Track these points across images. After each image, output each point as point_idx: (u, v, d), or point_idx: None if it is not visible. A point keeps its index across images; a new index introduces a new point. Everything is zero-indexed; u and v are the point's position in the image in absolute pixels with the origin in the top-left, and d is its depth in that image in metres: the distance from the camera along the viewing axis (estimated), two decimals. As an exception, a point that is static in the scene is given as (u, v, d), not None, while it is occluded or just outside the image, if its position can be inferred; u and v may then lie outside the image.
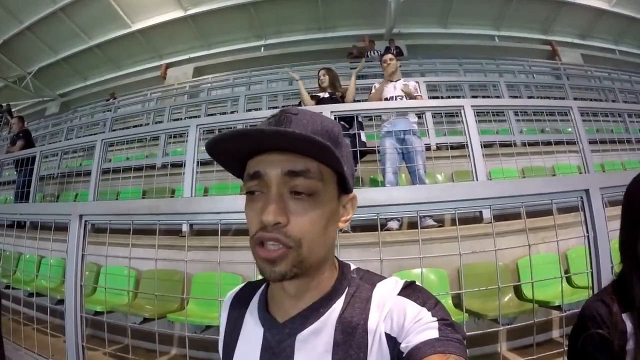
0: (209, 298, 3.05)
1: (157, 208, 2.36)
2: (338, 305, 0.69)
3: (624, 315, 1.01)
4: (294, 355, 0.68)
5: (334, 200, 0.68)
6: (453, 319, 0.63)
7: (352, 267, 0.77)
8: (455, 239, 2.07)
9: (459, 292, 2.58)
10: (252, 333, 0.75)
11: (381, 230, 3.73)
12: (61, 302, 2.72)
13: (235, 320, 0.81)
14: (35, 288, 3.89)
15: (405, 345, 0.60)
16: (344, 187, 0.70)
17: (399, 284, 0.70)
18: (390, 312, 0.65)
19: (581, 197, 1.97)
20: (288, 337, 0.69)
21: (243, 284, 0.88)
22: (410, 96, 4.59)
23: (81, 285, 2.50)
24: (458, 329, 0.61)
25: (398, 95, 4.62)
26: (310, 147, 0.60)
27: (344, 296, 0.70)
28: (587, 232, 1.95)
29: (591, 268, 1.92)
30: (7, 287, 3.56)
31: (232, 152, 0.66)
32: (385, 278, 0.73)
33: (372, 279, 0.73)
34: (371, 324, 0.65)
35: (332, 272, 0.73)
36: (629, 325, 0.99)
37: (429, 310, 0.63)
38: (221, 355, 0.81)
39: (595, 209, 1.93)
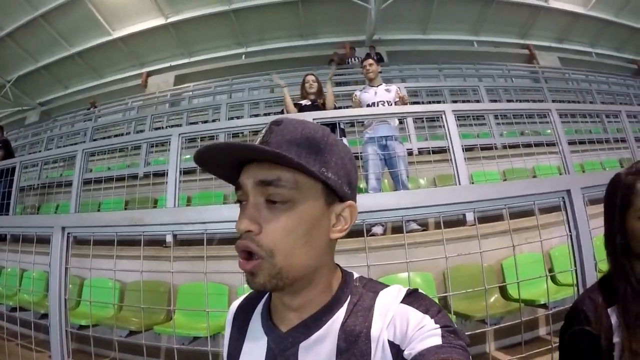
0: (196, 309, 3.03)
1: (141, 219, 2.34)
2: (341, 313, 0.70)
3: (609, 310, 1.04)
4: None
5: (318, 208, 0.67)
6: (456, 326, 0.64)
7: (355, 275, 0.77)
8: (440, 242, 2.11)
9: (445, 294, 2.62)
10: (256, 342, 0.76)
11: (366, 235, 3.79)
12: (45, 316, 2.68)
13: (239, 329, 0.82)
14: (18, 302, 3.84)
15: (409, 352, 0.61)
16: (337, 196, 0.70)
17: (402, 292, 0.70)
18: (394, 320, 0.65)
19: (563, 198, 2.02)
20: (291, 346, 0.69)
21: (247, 294, 0.89)
22: (403, 102, 4.66)
23: (65, 299, 2.47)
24: (461, 336, 0.62)
25: (379, 101, 4.66)
26: (276, 159, 0.62)
27: (346, 304, 0.71)
28: (570, 230, 2.00)
29: (575, 266, 1.97)
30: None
31: (220, 163, 0.69)
32: (388, 286, 0.73)
33: (375, 287, 0.73)
34: (374, 331, 0.66)
35: (333, 281, 0.74)
36: (614, 319, 1.02)
37: (431, 317, 0.63)
38: None
39: (577, 209, 1.98)
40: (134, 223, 2.36)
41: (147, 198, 5.61)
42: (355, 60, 11.38)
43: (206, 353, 2.14)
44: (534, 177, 5.33)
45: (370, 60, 4.93)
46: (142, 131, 8.12)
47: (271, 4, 12.98)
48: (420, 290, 0.71)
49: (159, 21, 13.55)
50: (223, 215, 2.16)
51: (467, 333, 1.94)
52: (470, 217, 3.84)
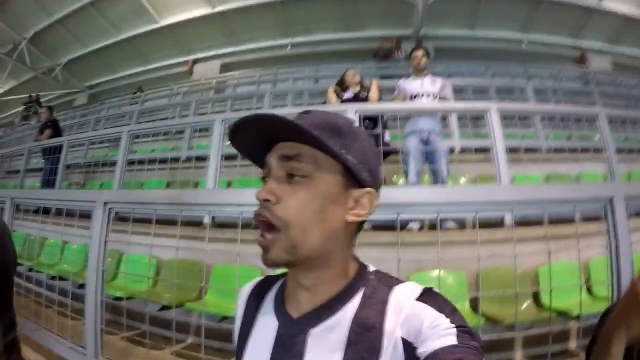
0: (225, 288, 3.07)
1: (180, 198, 2.40)
2: (354, 304, 0.69)
3: None
4: (306, 350, 0.68)
5: (335, 188, 0.69)
6: (470, 326, 0.63)
7: (372, 268, 0.77)
8: (475, 242, 2.04)
9: (476, 295, 2.55)
10: (266, 326, 0.76)
11: (402, 230, 3.74)
12: (82, 286, 2.77)
13: (250, 312, 0.82)
14: (58, 272, 4.01)
15: (423, 350, 0.60)
16: (356, 181, 0.71)
17: (417, 289, 0.69)
18: (408, 317, 0.64)
19: (605, 205, 1.92)
20: (301, 333, 0.70)
21: (262, 277, 0.89)
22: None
23: (103, 270, 2.55)
24: (475, 336, 0.61)
25: (424, 92, 4.51)
26: (296, 131, 0.65)
27: (360, 296, 0.70)
28: (610, 240, 1.90)
29: (611, 278, 1.88)
30: (31, 269, 3.63)
31: (250, 140, 0.72)
32: (403, 282, 0.73)
33: (390, 282, 0.73)
34: (387, 327, 0.65)
35: (349, 270, 0.74)
36: None
37: (447, 316, 0.62)
38: (236, 345, 0.83)
39: (619, 218, 1.88)
40: (172, 201, 2.41)
41: (188, 180, 5.73)
42: (401, 54, 11.21)
43: (232, 332, 2.15)
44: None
45: (422, 52, 4.79)
46: (186, 116, 8.26)
47: (317, -5, 12.93)
48: (435, 289, 0.70)
49: (206, 10, 13.71)
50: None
51: (494, 337, 1.88)
52: (508, 219, 3.71)
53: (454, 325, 0.60)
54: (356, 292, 0.71)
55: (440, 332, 0.60)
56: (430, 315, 0.63)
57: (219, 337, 3.31)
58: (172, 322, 2.50)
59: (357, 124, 0.76)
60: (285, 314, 0.74)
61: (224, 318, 3.16)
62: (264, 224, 0.67)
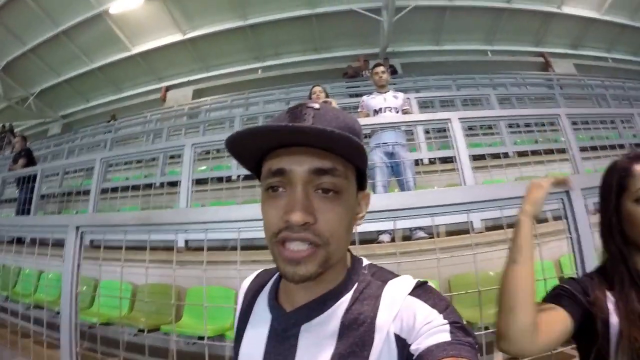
0: (196, 304, 3.10)
1: (148, 219, 2.44)
2: (346, 299, 0.69)
3: (608, 293, 1.03)
4: (298, 344, 0.68)
5: (355, 197, 0.69)
6: (464, 322, 0.63)
7: (365, 262, 0.77)
8: (448, 249, 2.07)
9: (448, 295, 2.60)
10: (260, 319, 0.77)
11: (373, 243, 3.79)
12: (59, 313, 2.79)
13: (247, 305, 0.83)
14: (33, 301, 4.00)
15: (416, 347, 0.59)
16: (360, 184, 0.72)
17: (411, 283, 0.69)
18: (400, 313, 0.64)
19: (562, 199, 1.97)
20: (293, 327, 0.70)
21: (260, 270, 0.90)
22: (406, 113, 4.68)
23: (77, 294, 2.58)
24: (470, 332, 0.61)
25: (387, 107, 4.67)
26: (340, 144, 0.60)
27: (352, 291, 0.70)
28: (570, 233, 1.96)
29: (576, 269, 1.91)
30: (7, 298, 3.63)
31: (252, 147, 0.66)
32: (397, 276, 0.72)
33: (383, 276, 0.73)
34: (379, 322, 0.65)
35: (343, 266, 0.73)
36: (611, 304, 1.00)
37: (440, 312, 0.62)
38: (234, 337, 0.83)
39: (577, 210, 1.93)
40: (141, 222, 2.47)
41: (162, 206, 5.74)
42: (369, 72, 11.44)
43: (210, 353, 2.20)
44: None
45: (382, 68, 4.95)
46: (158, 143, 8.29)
47: (286, 19, 13.19)
48: (429, 283, 0.70)
49: (177, 37, 13.88)
50: (221, 215, 2.25)
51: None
52: (477, 224, 3.81)
53: (447, 321, 0.61)
54: (349, 288, 0.71)
55: (433, 329, 0.60)
56: (423, 311, 0.63)
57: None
58: (146, 347, 2.52)
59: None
60: (279, 308, 0.74)
61: (200, 338, 3.20)
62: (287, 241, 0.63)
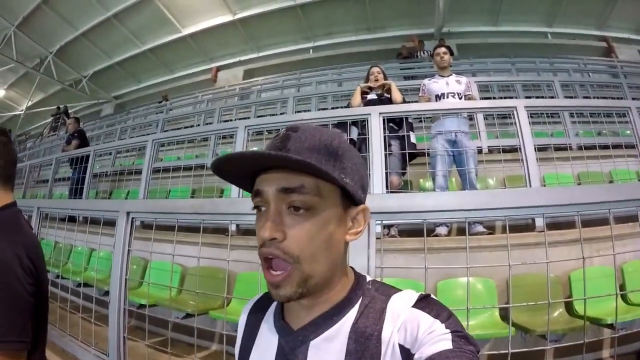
0: (247, 299, 3.02)
1: (201, 208, 2.37)
2: (352, 314, 0.70)
3: None
4: None
5: (337, 213, 0.69)
6: (467, 332, 0.63)
7: (368, 278, 0.78)
8: (505, 247, 1.91)
9: (506, 305, 2.42)
10: (267, 340, 0.78)
11: (429, 235, 3.61)
12: (107, 293, 2.78)
13: (252, 327, 0.84)
14: (83, 279, 4.10)
15: (419, 356, 0.60)
16: (352, 200, 0.71)
17: (414, 296, 0.70)
18: (404, 324, 0.65)
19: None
20: (301, 344, 0.71)
21: (262, 294, 0.90)
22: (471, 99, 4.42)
23: (126, 278, 2.57)
24: (472, 341, 0.62)
25: (450, 92, 4.43)
26: (300, 165, 0.63)
27: (357, 306, 0.71)
28: None
29: None
30: (58, 276, 3.68)
31: (238, 171, 0.70)
32: (400, 290, 0.73)
33: (387, 291, 0.74)
34: (385, 334, 0.66)
35: (346, 282, 0.75)
36: None
37: (442, 322, 0.63)
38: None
39: None
40: (194, 211, 2.39)
41: (213, 187, 5.71)
42: (424, 53, 11.06)
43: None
44: (611, 182, 4.79)
45: (444, 49, 4.74)
46: (210, 123, 8.30)
47: (337, -2, 12.90)
48: (432, 296, 0.71)
49: (227, 18, 13.92)
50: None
51: (525, 349, 1.72)
52: (539, 222, 3.54)
53: (449, 330, 0.61)
54: (354, 303, 0.72)
55: (435, 338, 0.60)
56: (426, 321, 0.64)
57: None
58: (195, 330, 2.48)
59: (345, 139, 0.75)
60: (286, 326, 0.75)
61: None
62: (270, 260, 0.66)
